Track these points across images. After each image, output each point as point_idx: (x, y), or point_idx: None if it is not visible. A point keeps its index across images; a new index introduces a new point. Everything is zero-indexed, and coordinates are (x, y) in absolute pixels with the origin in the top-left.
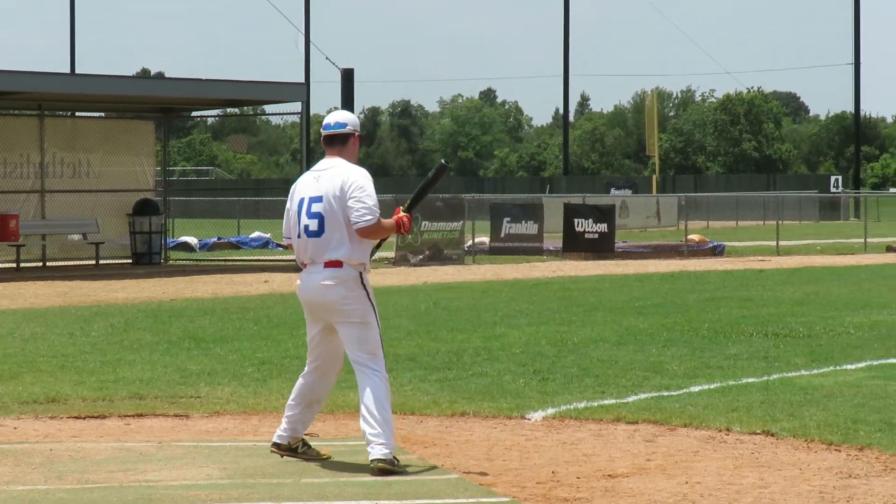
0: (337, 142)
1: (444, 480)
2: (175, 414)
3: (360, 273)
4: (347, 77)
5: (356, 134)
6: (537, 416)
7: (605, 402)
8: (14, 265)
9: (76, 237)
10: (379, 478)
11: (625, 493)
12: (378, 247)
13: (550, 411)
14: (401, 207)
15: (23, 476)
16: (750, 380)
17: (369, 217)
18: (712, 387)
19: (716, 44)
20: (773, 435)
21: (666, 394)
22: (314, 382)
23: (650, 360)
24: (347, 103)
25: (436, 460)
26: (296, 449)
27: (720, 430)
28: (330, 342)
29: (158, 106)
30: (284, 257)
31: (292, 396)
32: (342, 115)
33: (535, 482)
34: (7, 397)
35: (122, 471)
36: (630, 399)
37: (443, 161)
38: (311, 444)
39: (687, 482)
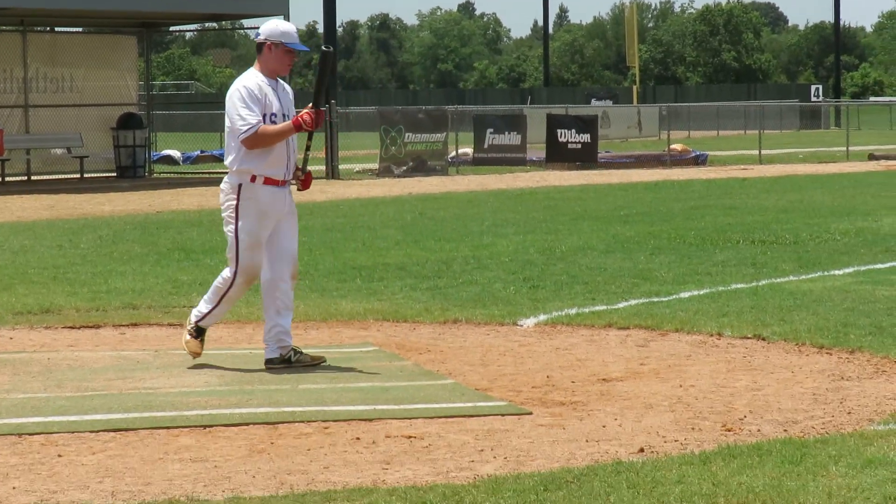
0: (256, 51)
1: (441, 385)
2: (169, 323)
3: (241, 184)
4: None
5: (268, 42)
6: (529, 322)
7: (596, 308)
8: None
9: (60, 151)
10: (376, 384)
11: (620, 396)
12: (305, 158)
13: (542, 317)
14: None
15: (22, 384)
16: (739, 286)
17: (244, 127)
18: (702, 293)
19: None
20: (764, 339)
21: (656, 300)
22: (271, 289)
23: (639, 267)
24: (329, 15)
25: (431, 366)
26: (288, 359)
27: (711, 335)
28: (277, 244)
29: (138, 21)
30: None
31: (264, 309)
32: (261, 26)
33: (531, 387)
34: (1, 308)
35: (120, 378)
36: (620, 305)
37: (324, 47)
38: (302, 350)
39: (681, 385)
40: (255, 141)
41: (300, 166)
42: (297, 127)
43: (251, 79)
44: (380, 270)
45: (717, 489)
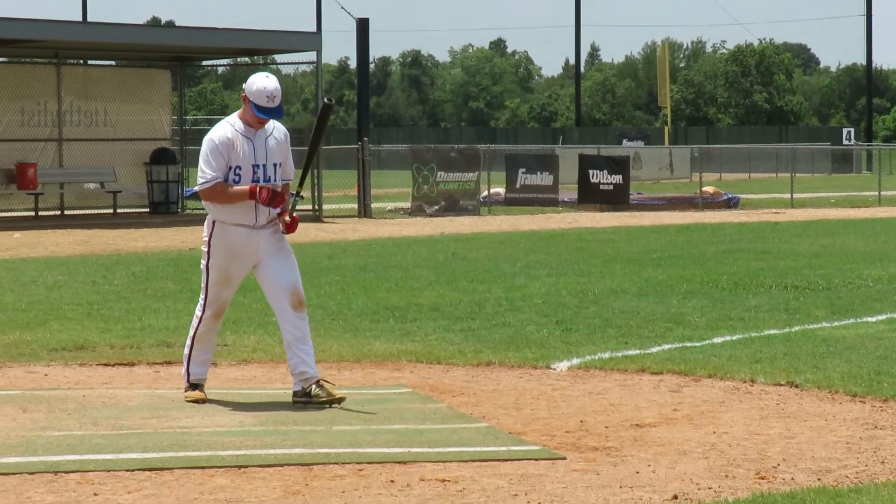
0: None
1: (475, 429)
2: None
3: (214, 221)
4: (363, 26)
5: (244, 96)
6: (563, 365)
7: (629, 352)
8: (33, 213)
9: (93, 186)
10: (410, 426)
11: (654, 442)
12: (294, 203)
13: (575, 361)
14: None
15: (58, 422)
16: (772, 331)
17: (201, 180)
18: (735, 338)
19: None
20: (797, 386)
21: (689, 345)
22: (280, 324)
23: (671, 311)
24: (362, 53)
25: (464, 409)
26: (308, 392)
27: (745, 381)
28: (261, 283)
29: (171, 55)
30: (300, 207)
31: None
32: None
33: (565, 431)
34: (35, 344)
35: (155, 417)
36: (654, 350)
37: (325, 99)
38: (326, 385)
39: (714, 432)
40: (210, 196)
41: (287, 209)
42: (251, 196)
43: (223, 129)
44: (413, 311)
45: None
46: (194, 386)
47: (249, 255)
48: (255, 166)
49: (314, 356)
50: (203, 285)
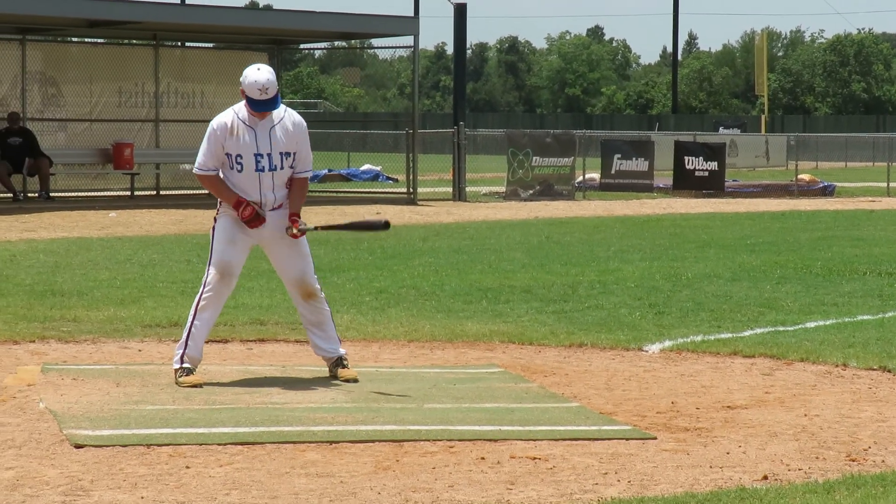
0: None
1: (566, 408)
2: (296, 340)
3: (219, 206)
4: (460, 12)
5: (241, 89)
6: (654, 348)
7: (722, 336)
8: (129, 193)
9: (189, 167)
10: (501, 405)
11: (744, 423)
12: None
13: (667, 343)
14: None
15: (151, 396)
16: (865, 317)
17: (199, 164)
18: (827, 323)
19: None
20: (889, 371)
21: (782, 329)
22: (296, 307)
23: (764, 296)
24: (459, 38)
25: (556, 389)
26: (330, 370)
27: (837, 366)
28: (276, 266)
29: (268, 38)
30: (396, 190)
31: None
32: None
33: (656, 412)
34: (130, 321)
35: (247, 393)
36: (746, 333)
37: (384, 221)
38: (343, 364)
39: (805, 415)
40: (203, 183)
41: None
42: (235, 207)
43: (224, 116)
44: (506, 293)
45: None
46: (188, 371)
47: (248, 233)
48: (258, 155)
49: (335, 333)
50: (210, 248)
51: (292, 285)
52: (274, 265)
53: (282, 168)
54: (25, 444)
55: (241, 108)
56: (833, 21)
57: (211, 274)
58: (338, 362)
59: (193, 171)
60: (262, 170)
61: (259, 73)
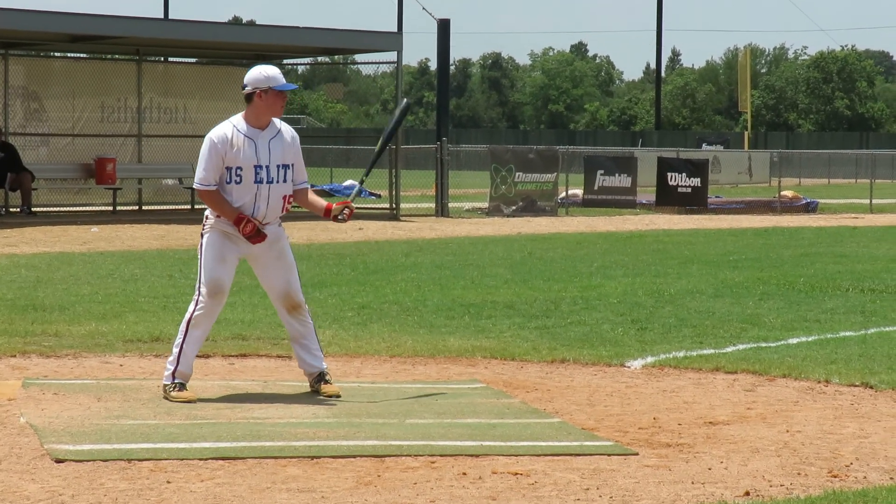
0: (245, 101)
1: (548, 424)
2: (278, 355)
3: (208, 216)
4: (444, 27)
5: (257, 91)
6: (637, 364)
7: (704, 351)
8: (111, 208)
9: (171, 182)
10: (483, 420)
11: (726, 439)
12: (355, 192)
13: (650, 360)
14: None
15: (132, 411)
16: (847, 333)
17: (199, 180)
18: (810, 339)
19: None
20: (871, 387)
21: (764, 345)
22: (282, 320)
23: (747, 312)
24: (443, 53)
25: (538, 405)
26: (315, 387)
27: (819, 382)
28: (261, 279)
29: (252, 53)
30: (378, 205)
31: None
32: (245, 77)
33: (637, 427)
34: (111, 336)
35: (229, 408)
36: (728, 349)
37: (406, 99)
38: (325, 379)
39: (788, 430)
40: (203, 199)
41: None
42: (236, 224)
43: (222, 128)
44: (488, 308)
45: None
46: (181, 386)
47: (237, 247)
48: (258, 167)
49: (319, 348)
50: (199, 265)
51: (278, 298)
52: (259, 278)
53: (278, 181)
54: (6, 458)
55: (238, 119)
56: (816, 38)
57: (202, 292)
58: (320, 377)
59: (195, 186)
60: (261, 182)
61: (267, 67)
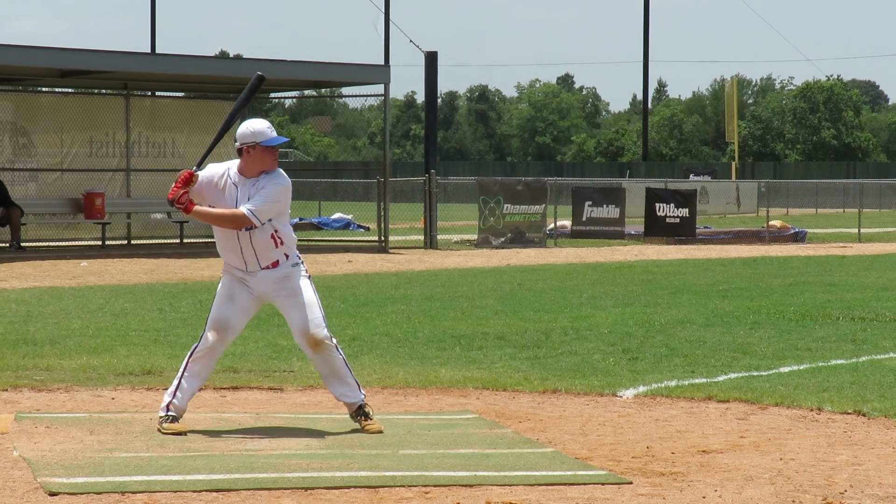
0: (237, 154)
1: (541, 453)
2: (270, 387)
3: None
4: (431, 60)
5: (245, 147)
6: (629, 393)
7: (696, 381)
8: (100, 242)
9: (160, 216)
10: (476, 450)
11: (720, 468)
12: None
13: (642, 389)
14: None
15: (125, 444)
16: (839, 361)
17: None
18: (801, 368)
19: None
20: (864, 415)
21: (756, 374)
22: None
23: (738, 341)
24: (430, 85)
25: (530, 435)
26: (352, 418)
27: (811, 410)
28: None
29: (238, 87)
30: (367, 238)
31: None
32: (237, 132)
33: (631, 456)
34: (103, 369)
35: (222, 439)
36: (720, 378)
37: (259, 73)
38: (365, 412)
39: (781, 458)
40: (193, 217)
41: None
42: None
43: (220, 167)
44: (479, 339)
45: None
46: (173, 418)
47: (249, 289)
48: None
49: (353, 380)
50: (210, 314)
51: (298, 337)
52: (285, 319)
53: (259, 223)
54: (0, 492)
55: (233, 164)
56: (803, 68)
57: (207, 332)
58: (359, 411)
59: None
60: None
61: (256, 121)
